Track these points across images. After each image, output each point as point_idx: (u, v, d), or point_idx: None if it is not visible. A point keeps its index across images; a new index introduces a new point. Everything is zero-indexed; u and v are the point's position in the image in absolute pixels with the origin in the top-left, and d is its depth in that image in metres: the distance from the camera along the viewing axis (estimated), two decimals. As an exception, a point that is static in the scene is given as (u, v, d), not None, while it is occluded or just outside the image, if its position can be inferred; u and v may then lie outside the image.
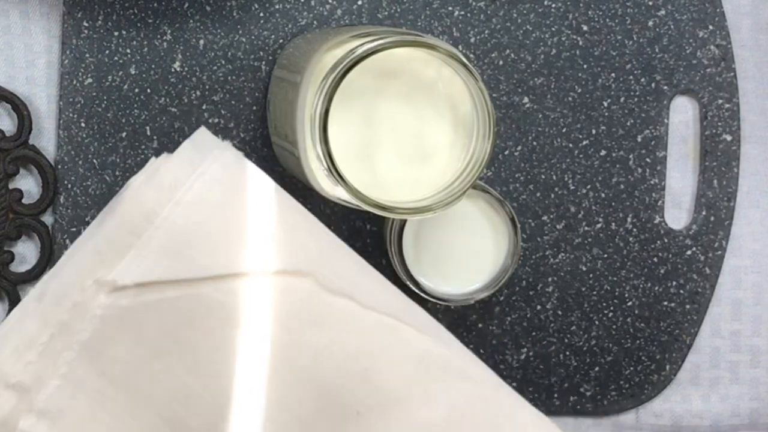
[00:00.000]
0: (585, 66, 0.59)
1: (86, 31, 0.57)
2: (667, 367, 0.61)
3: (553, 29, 0.59)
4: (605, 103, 0.59)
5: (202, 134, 0.51)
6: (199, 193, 0.48)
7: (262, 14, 0.58)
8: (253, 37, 0.58)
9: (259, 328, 0.48)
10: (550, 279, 0.60)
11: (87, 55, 0.57)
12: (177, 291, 0.48)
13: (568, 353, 0.60)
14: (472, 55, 0.58)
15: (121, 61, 0.57)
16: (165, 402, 0.49)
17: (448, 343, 0.51)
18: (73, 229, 0.57)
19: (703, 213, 0.60)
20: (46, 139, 0.58)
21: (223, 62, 0.58)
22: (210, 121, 0.58)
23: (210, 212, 0.48)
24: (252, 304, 0.48)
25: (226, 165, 0.50)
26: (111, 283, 0.48)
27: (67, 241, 0.57)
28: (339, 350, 0.49)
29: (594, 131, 0.59)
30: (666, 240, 0.60)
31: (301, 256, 0.49)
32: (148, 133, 0.58)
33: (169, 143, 0.58)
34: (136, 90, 0.58)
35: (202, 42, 0.58)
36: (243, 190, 0.50)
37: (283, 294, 0.49)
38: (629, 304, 0.60)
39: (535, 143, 0.59)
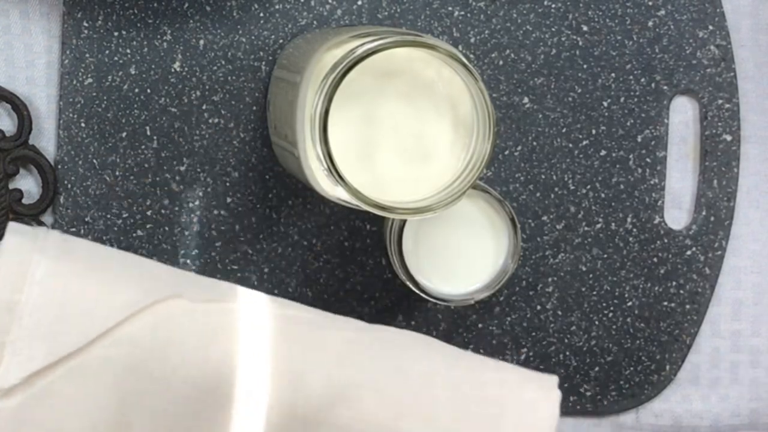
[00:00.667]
0: (585, 66, 0.59)
1: (86, 31, 0.57)
2: (667, 367, 0.61)
3: (553, 29, 0.59)
4: (605, 103, 0.59)
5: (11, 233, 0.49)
6: (46, 269, 0.47)
7: (262, 14, 0.58)
8: (253, 37, 0.58)
9: (157, 364, 0.47)
10: (550, 279, 0.60)
11: (87, 55, 0.57)
12: (64, 368, 0.46)
13: (568, 353, 0.60)
14: (472, 55, 0.58)
15: (121, 61, 0.57)
16: None
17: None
18: (73, 229, 0.57)
19: (703, 213, 0.60)
20: (46, 139, 0.58)
21: (223, 62, 0.58)
22: (210, 121, 0.58)
23: (62, 282, 0.47)
24: (139, 345, 0.47)
25: (51, 238, 0.49)
26: None
27: (67, 241, 0.57)
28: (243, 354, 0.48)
29: (594, 131, 0.59)
30: (666, 240, 0.60)
31: (161, 285, 0.48)
32: (148, 133, 0.58)
33: (169, 143, 0.58)
34: (136, 90, 0.58)
35: (202, 42, 0.58)
36: (76, 254, 0.49)
37: (167, 321, 0.47)
38: (629, 304, 0.60)
39: (535, 143, 0.59)
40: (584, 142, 0.59)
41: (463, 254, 0.57)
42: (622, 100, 0.59)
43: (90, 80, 0.57)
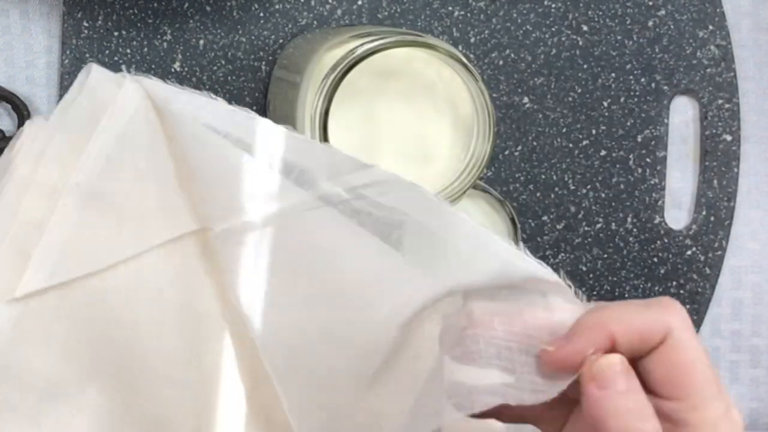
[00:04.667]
0: (585, 66, 0.59)
1: (86, 31, 0.57)
2: (667, 367, 0.61)
3: (553, 29, 0.59)
4: (605, 103, 0.59)
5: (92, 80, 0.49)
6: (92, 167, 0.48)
7: (262, 14, 0.58)
8: (253, 37, 0.58)
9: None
10: (550, 279, 0.60)
11: (87, 55, 0.57)
12: (56, 294, 0.48)
13: (568, 353, 0.60)
14: (472, 55, 0.58)
15: (121, 61, 0.57)
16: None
17: None
18: (73, 229, 0.57)
19: (703, 213, 0.60)
20: (46, 139, 0.58)
21: (223, 62, 0.58)
22: (210, 121, 0.58)
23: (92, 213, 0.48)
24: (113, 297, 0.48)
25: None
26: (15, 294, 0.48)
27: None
28: None
29: (594, 131, 0.59)
30: (666, 240, 0.60)
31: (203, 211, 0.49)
32: (148, 133, 0.58)
33: (169, 143, 0.58)
34: (136, 90, 0.57)
35: (202, 42, 0.58)
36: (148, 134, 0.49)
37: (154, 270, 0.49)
38: (629, 304, 0.60)
39: (535, 143, 0.59)
40: (584, 142, 0.59)
41: (463, 254, 0.57)
42: (622, 100, 0.59)
43: (90, 80, 0.57)
